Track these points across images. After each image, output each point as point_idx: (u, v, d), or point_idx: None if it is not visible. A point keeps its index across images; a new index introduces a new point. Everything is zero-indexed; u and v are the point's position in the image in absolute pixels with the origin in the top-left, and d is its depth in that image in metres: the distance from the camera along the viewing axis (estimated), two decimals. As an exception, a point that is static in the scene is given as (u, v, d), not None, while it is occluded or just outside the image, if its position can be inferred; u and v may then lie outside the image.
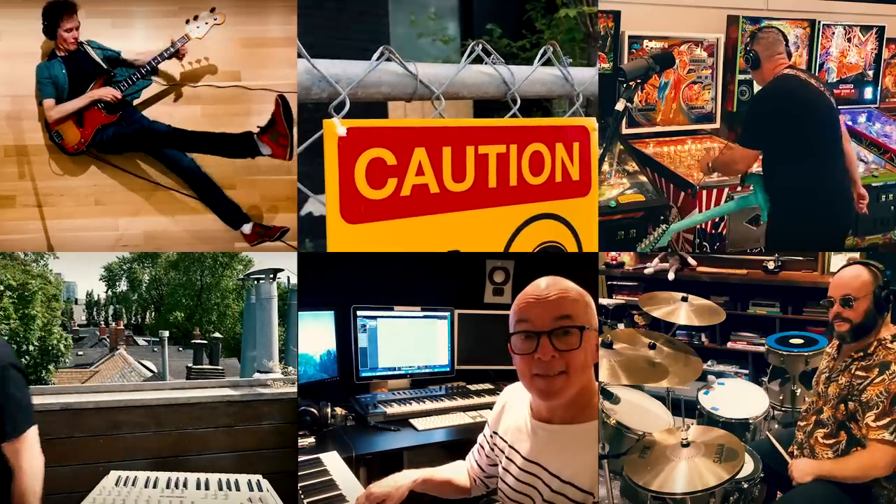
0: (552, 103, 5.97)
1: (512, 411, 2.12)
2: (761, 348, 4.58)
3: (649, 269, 5.52)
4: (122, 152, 3.80)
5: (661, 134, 4.83)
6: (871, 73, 5.41)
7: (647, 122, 4.78)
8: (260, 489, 2.82)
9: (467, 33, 7.64)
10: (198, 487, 2.81)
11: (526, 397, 2.01)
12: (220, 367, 16.41)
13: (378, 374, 3.92)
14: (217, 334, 20.10)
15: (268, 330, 10.38)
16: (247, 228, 3.81)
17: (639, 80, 3.32)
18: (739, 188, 4.15)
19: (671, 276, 5.40)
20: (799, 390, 3.79)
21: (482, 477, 2.29)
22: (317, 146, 1.56)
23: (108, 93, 3.70)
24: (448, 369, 4.12)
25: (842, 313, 2.79)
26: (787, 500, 2.83)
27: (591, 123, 1.83)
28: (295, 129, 3.51)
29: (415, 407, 3.66)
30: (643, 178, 4.35)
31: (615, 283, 5.78)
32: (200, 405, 3.65)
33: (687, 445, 2.80)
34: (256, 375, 4.13)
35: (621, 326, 4.79)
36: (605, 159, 3.68)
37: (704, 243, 4.37)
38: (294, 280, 9.85)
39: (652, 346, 3.38)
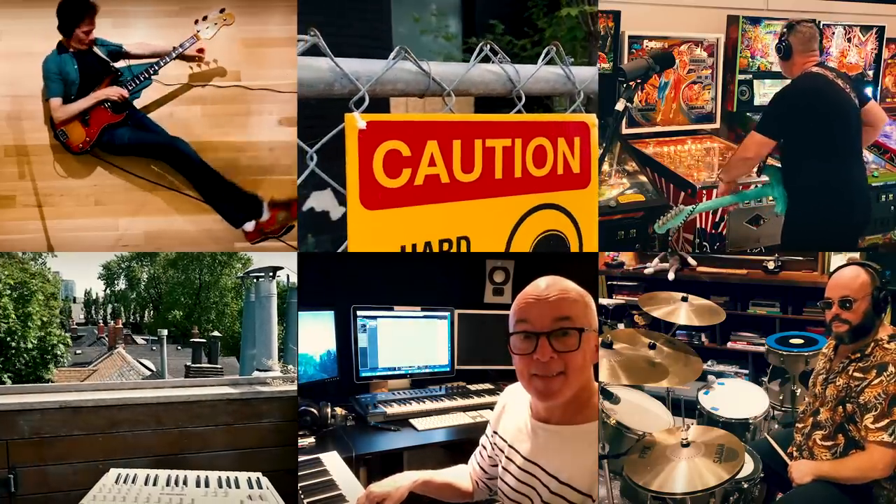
0: (553, 100, 5.97)
1: (512, 411, 2.12)
2: (761, 348, 4.58)
3: (649, 269, 5.52)
4: (128, 155, 3.80)
5: (661, 134, 4.84)
6: (871, 73, 5.42)
7: (647, 122, 4.78)
8: (260, 487, 2.82)
9: (469, 30, 7.64)
10: (198, 485, 2.81)
11: (526, 397, 2.01)
12: (218, 366, 16.42)
13: (378, 374, 3.92)
14: (216, 333, 20.13)
15: (267, 328, 10.36)
16: (249, 226, 3.80)
17: (639, 80, 3.32)
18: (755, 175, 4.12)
19: (671, 276, 5.40)
20: (799, 390, 3.79)
21: (485, 479, 2.28)
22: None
23: (116, 92, 3.67)
24: (448, 369, 4.12)
25: (840, 314, 2.79)
26: (786, 501, 2.83)
27: (592, 119, 1.91)
28: (295, 130, 3.51)
29: (415, 407, 3.67)
30: (643, 178, 4.35)
31: (615, 283, 5.78)
32: (200, 403, 3.65)
33: (687, 445, 2.80)
34: (256, 374, 4.12)
35: (621, 326, 4.80)
36: (605, 159, 3.68)
37: (704, 243, 4.37)
38: (293, 278, 9.84)
39: (652, 346, 3.38)
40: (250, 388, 3.81)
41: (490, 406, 3.79)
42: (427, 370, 4.08)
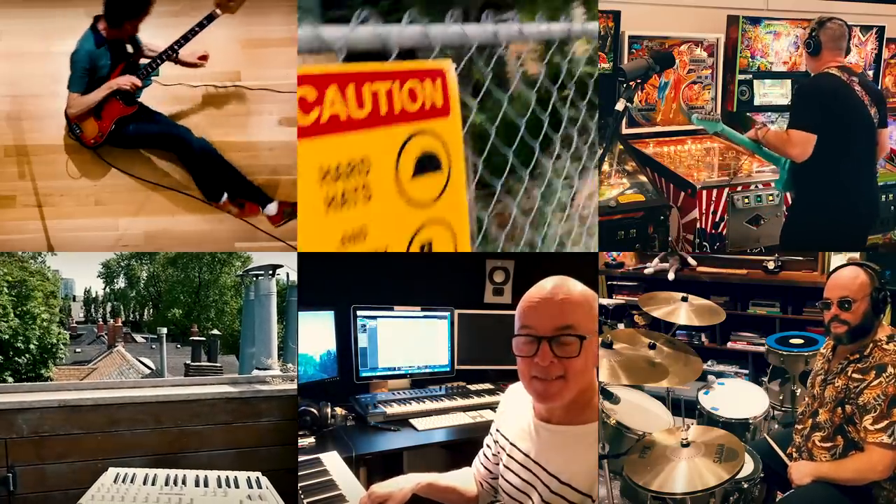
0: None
1: (515, 410, 2.13)
2: (761, 348, 4.58)
3: (649, 269, 5.52)
4: (141, 147, 3.80)
5: (660, 134, 4.84)
6: (871, 73, 5.41)
7: (647, 122, 4.78)
8: (259, 486, 2.82)
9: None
10: (197, 484, 2.81)
11: (529, 397, 2.01)
12: (218, 364, 16.41)
13: (378, 374, 3.93)
14: (215, 331, 20.10)
15: (266, 327, 10.37)
16: (272, 209, 3.79)
17: (639, 80, 3.31)
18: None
19: (671, 276, 5.40)
20: (799, 390, 3.79)
21: (489, 479, 2.28)
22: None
23: (128, 81, 3.63)
24: (448, 369, 4.12)
25: (840, 315, 2.78)
26: (786, 502, 2.82)
27: (447, 64, 2.18)
28: (295, 130, 3.50)
29: (415, 407, 3.67)
30: (643, 178, 4.35)
31: (615, 283, 5.78)
32: (199, 402, 3.65)
33: (687, 445, 2.80)
34: (255, 372, 4.12)
35: (621, 326, 4.80)
36: (605, 159, 3.68)
37: (704, 243, 4.37)
38: (293, 276, 9.85)
39: (652, 346, 3.38)
40: (249, 387, 3.81)
41: (490, 406, 3.81)
42: (427, 370, 4.08)
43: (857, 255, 4.45)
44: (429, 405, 3.72)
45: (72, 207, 3.76)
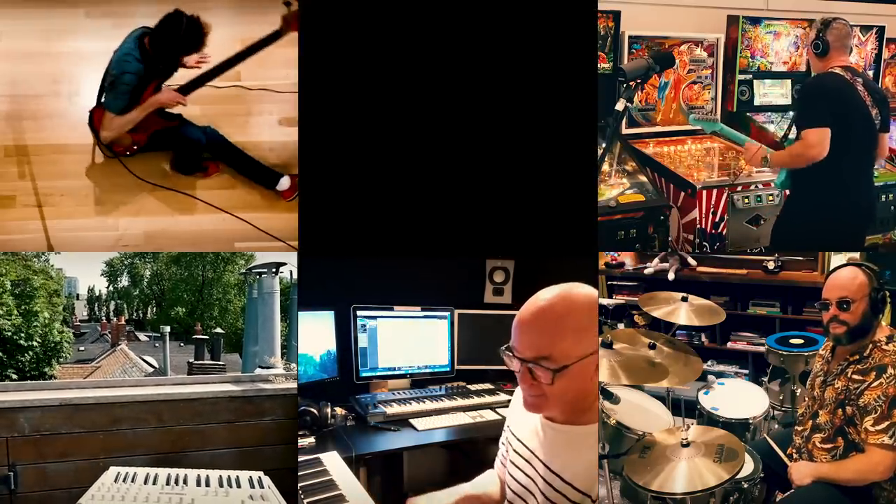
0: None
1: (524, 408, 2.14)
2: (761, 348, 4.58)
3: (649, 269, 5.52)
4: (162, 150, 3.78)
5: (661, 134, 4.83)
6: (871, 73, 5.40)
7: (647, 122, 4.78)
8: (261, 486, 2.82)
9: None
10: (198, 484, 2.81)
11: None
12: (221, 363, 16.41)
13: (378, 374, 3.93)
14: (219, 329, 20.10)
15: (269, 325, 10.33)
16: (285, 182, 3.79)
17: (639, 80, 3.31)
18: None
19: (671, 276, 5.40)
20: (799, 390, 3.79)
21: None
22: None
23: (173, 98, 3.60)
24: (448, 369, 4.13)
25: (839, 316, 2.79)
26: (787, 502, 2.83)
27: None
28: (295, 130, 3.51)
29: (415, 407, 3.68)
30: (643, 178, 4.35)
31: (615, 283, 5.78)
32: (201, 401, 3.66)
33: (687, 445, 2.81)
34: (258, 371, 4.13)
35: (621, 326, 4.79)
36: (605, 159, 3.68)
37: (704, 243, 4.37)
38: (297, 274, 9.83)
39: (652, 346, 3.38)
40: (252, 386, 3.82)
41: (490, 406, 3.82)
42: (427, 370, 4.09)
43: (856, 255, 4.45)
44: (429, 405, 3.73)
45: (72, 207, 3.76)
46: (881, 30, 5.34)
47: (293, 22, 3.52)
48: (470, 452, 3.72)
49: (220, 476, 2.86)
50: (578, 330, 1.85)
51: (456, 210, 3.27)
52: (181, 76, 3.80)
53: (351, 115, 3.25)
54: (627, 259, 5.78)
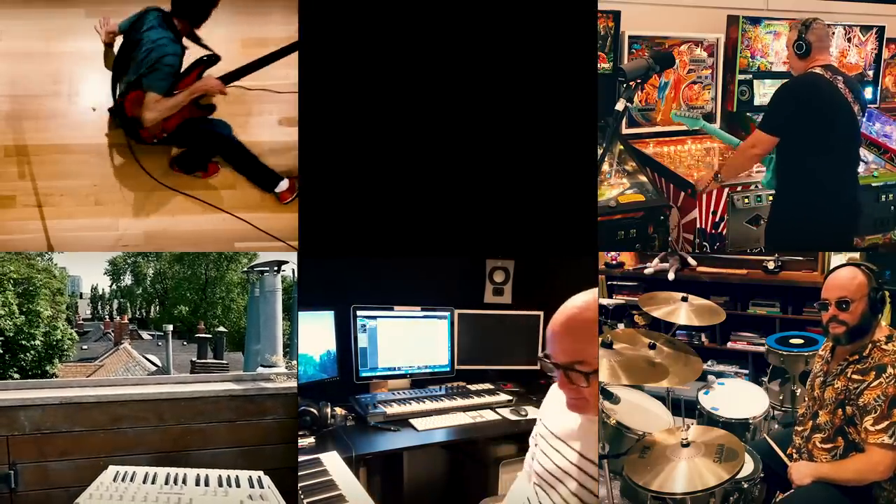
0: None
1: (559, 400, 2.25)
2: (761, 348, 4.58)
3: (649, 269, 5.51)
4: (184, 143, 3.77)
5: (661, 134, 4.83)
6: (871, 73, 5.41)
7: (647, 122, 4.78)
8: (261, 486, 2.82)
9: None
10: (197, 483, 2.80)
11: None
12: (224, 362, 16.44)
13: (378, 374, 3.94)
14: (221, 328, 20.13)
15: (271, 324, 10.34)
16: (283, 185, 3.78)
17: (639, 80, 3.32)
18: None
19: (671, 276, 5.39)
20: (799, 390, 3.79)
21: None
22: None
23: (216, 85, 3.59)
24: (448, 369, 4.13)
25: (838, 316, 2.79)
26: (787, 502, 2.83)
27: None
28: (295, 129, 3.51)
29: (415, 407, 3.68)
30: (643, 178, 4.34)
31: (615, 283, 5.77)
32: (203, 399, 3.66)
33: (687, 445, 2.81)
34: (260, 370, 4.13)
35: (621, 326, 4.79)
36: (605, 159, 3.68)
37: (704, 243, 4.37)
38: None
39: (652, 346, 3.38)
40: (254, 385, 3.82)
41: (490, 406, 3.82)
42: (427, 370, 4.09)
43: (856, 255, 4.45)
44: (429, 405, 3.73)
45: (72, 207, 3.76)
46: (881, 30, 5.35)
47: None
48: (470, 452, 3.72)
49: (220, 475, 2.86)
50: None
51: (456, 210, 3.27)
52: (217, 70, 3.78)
53: (351, 115, 3.26)
54: (627, 259, 5.78)
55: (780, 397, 3.93)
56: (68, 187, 3.77)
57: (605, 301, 4.68)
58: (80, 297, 35.86)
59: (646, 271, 5.53)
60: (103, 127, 3.80)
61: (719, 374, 4.25)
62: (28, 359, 13.61)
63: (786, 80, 3.85)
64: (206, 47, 3.67)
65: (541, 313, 4.22)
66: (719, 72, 4.92)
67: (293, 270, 10.91)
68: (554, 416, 2.27)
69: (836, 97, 3.64)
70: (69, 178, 3.77)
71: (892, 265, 4.49)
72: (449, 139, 3.27)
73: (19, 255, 14.09)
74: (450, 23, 3.23)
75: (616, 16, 4.54)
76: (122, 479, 2.77)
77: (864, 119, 3.78)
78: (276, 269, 10.48)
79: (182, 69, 3.60)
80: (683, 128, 4.78)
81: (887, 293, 2.91)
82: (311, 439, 3.25)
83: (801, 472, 2.80)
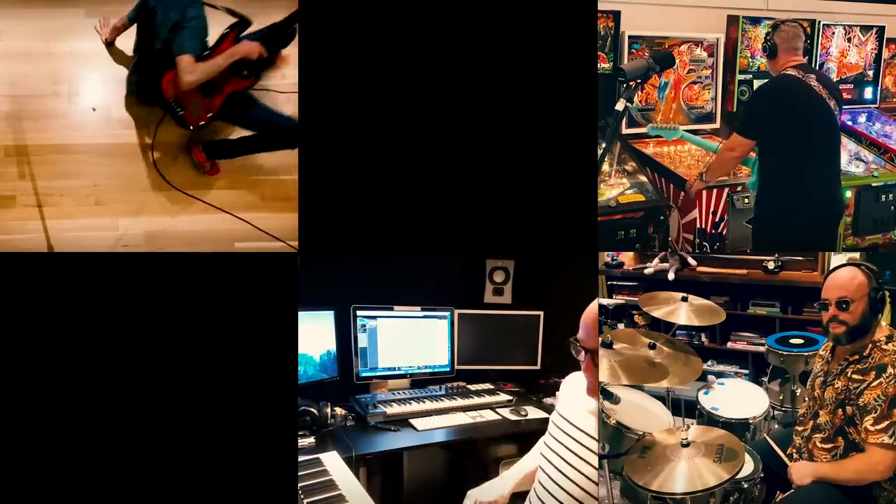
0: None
1: (574, 393, 2.56)
2: (761, 348, 4.58)
3: (649, 269, 5.51)
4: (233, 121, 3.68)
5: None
6: (871, 73, 5.41)
7: (647, 122, 4.78)
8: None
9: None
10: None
11: (583, 384, 2.49)
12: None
13: (378, 374, 3.94)
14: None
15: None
16: None
17: (639, 80, 3.31)
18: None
19: (671, 276, 5.39)
20: (799, 390, 3.79)
21: None
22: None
23: (255, 49, 3.42)
24: (448, 369, 4.14)
25: (838, 316, 2.79)
26: (787, 502, 2.83)
27: None
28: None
29: (415, 407, 3.68)
30: (643, 178, 4.35)
31: (615, 283, 5.77)
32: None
33: (687, 445, 2.80)
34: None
35: (621, 326, 4.79)
36: (605, 159, 3.68)
37: (704, 243, 4.37)
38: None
39: (652, 346, 3.37)
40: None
41: (490, 406, 3.82)
42: (427, 370, 4.09)
43: (856, 255, 4.45)
44: (429, 405, 3.73)
45: (72, 207, 3.76)
46: (881, 30, 5.36)
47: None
48: (470, 452, 3.72)
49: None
50: None
51: (456, 210, 3.27)
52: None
53: (351, 114, 3.25)
54: (627, 259, 5.77)
55: (780, 397, 3.93)
56: (68, 187, 3.76)
57: (605, 301, 4.69)
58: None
59: (646, 271, 5.53)
60: (110, 126, 3.80)
61: (719, 374, 4.25)
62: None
63: (762, 85, 3.92)
64: (231, 12, 3.56)
65: (541, 313, 4.22)
66: (719, 72, 4.92)
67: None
68: (570, 403, 2.53)
69: (810, 95, 3.67)
70: (69, 178, 3.76)
71: (892, 265, 4.49)
72: (449, 139, 3.26)
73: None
74: (450, 23, 3.23)
75: (616, 16, 4.54)
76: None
77: (840, 113, 3.81)
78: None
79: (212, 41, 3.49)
80: (683, 127, 4.79)
81: (887, 293, 2.91)
82: (311, 439, 3.25)
83: (801, 472, 2.79)
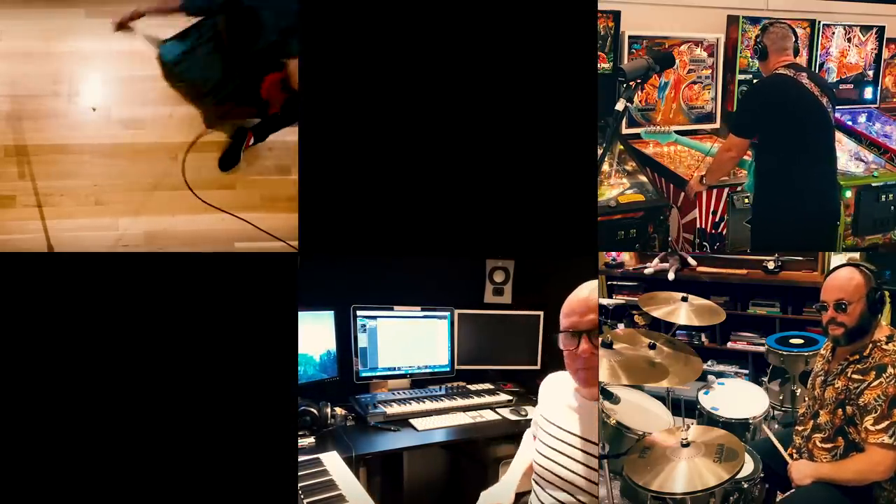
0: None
1: (556, 394, 2.56)
2: (761, 348, 4.58)
3: (649, 269, 5.51)
4: None
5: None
6: (871, 73, 5.42)
7: (647, 122, 4.78)
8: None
9: None
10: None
11: (568, 383, 2.49)
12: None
13: (378, 374, 3.93)
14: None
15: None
16: None
17: (639, 80, 3.33)
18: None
19: (671, 276, 5.39)
20: (799, 390, 3.79)
21: None
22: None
23: None
24: (448, 369, 4.13)
25: (836, 317, 2.79)
26: (787, 502, 2.83)
27: None
28: (296, 129, 3.51)
29: (415, 407, 3.68)
30: (643, 178, 4.35)
31: (615, 283, 5.77)
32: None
33: (687, 445, 2.80)
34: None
35: (621, 326, 4.79)
36: (605, 159, 3.68)
37: (704, 243, 4.37)
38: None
39: (652, 346, 3.37)
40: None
41: (490, 406, 3.82)
42: (427, 370, 4.09)
43: (856, 255, 4.45)
44: (429, 405, 3.73)
45: (72, 207, 3.76)
46: (881, 30, 5.36)
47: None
48: (470, 452, 3.72)
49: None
50: None
51: (456, 210, 3.27)
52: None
53: (351, 114, 3.25)
54: (627, 259, 5.77)
55: (780, 397, 3.93)
56: (68, 187, 3.76)
57: (605, 301, 4.68)
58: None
59: (646, 271, 5.53)
60: (110, 126, 3.80)
61: (719, 374, 4.25)
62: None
63: (753, 84, 3.94)
64: None
65: (541, 313, 4.22)
66: (719, 72, 4.92)
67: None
68: (552, 405, 2.53)
69: (802, 93, 3.70)
70: (69, 178, 3.76)
71: (892, 265, 4.49)
72: (449, 139, 3.27)
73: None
74: (450, 23, 3.23)
75: (616, 16, 4.54)
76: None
77: (833, 111, 3.83)
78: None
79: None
80: (683, 128, 4.79)
81: (887, 293, 2.91)
82: (311, 439, 3.24)
83: (802, 471, 2.79)
